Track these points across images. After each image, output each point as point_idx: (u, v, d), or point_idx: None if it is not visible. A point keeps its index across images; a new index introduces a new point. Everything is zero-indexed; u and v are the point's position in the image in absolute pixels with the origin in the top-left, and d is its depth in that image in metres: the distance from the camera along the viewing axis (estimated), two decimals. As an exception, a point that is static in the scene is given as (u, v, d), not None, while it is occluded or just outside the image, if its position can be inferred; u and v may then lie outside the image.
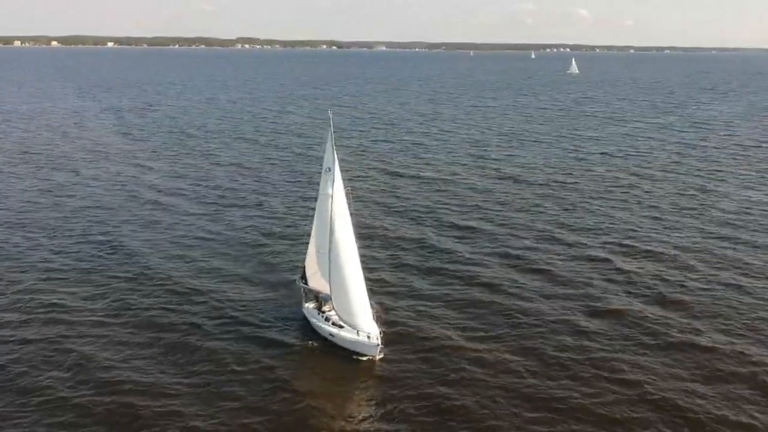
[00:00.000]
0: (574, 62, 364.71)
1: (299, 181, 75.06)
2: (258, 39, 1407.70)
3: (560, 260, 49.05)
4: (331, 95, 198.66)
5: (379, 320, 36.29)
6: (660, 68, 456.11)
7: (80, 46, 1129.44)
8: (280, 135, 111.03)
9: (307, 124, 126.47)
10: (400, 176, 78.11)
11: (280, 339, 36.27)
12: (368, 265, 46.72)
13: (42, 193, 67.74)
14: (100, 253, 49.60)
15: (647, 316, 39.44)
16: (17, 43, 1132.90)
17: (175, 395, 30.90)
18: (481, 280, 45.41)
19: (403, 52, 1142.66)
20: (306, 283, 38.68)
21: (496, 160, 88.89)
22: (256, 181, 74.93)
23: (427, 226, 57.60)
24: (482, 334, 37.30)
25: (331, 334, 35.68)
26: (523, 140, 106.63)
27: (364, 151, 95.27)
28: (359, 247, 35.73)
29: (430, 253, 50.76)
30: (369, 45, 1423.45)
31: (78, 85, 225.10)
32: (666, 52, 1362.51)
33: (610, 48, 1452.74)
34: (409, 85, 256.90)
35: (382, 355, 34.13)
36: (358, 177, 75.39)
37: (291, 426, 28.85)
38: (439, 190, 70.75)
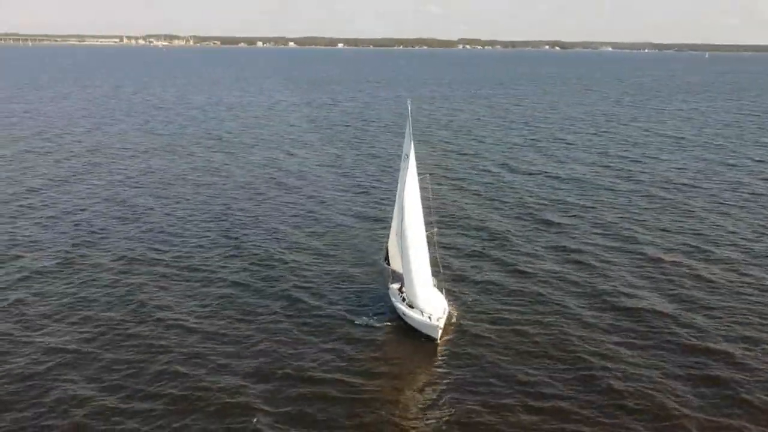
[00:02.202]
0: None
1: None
2: (479, 40, 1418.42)
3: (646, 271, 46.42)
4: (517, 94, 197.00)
5: (449, 305, 37.75)
6: None
7: (314, 47, 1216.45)
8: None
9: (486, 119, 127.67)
10: (518, 173, 77.03)
11: (360, 317, 38.42)
12: (449, 252, 48.56)
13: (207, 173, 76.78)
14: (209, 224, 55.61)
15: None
16: (259, 44, 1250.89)
17: (239, 365, 34.17)
18: (560, 277, 44.82)
19: (630, 53, 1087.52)
20: (389, 264, 40.90)
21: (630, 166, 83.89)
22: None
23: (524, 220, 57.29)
24: (547, 332, 36.99)
25: (403, 314, 37.55)
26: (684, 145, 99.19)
27: (497, 144, 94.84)
28: (441, 234, 36.72)
29: (509, 245, 51.01)
30: (593, 45, 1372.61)
31: (290, 83, 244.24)
32: None
33: None
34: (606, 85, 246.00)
35: (442, 338, 35.32)
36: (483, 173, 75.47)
37: (324, 401, 30.45)
38: (555, 188, 69.04)
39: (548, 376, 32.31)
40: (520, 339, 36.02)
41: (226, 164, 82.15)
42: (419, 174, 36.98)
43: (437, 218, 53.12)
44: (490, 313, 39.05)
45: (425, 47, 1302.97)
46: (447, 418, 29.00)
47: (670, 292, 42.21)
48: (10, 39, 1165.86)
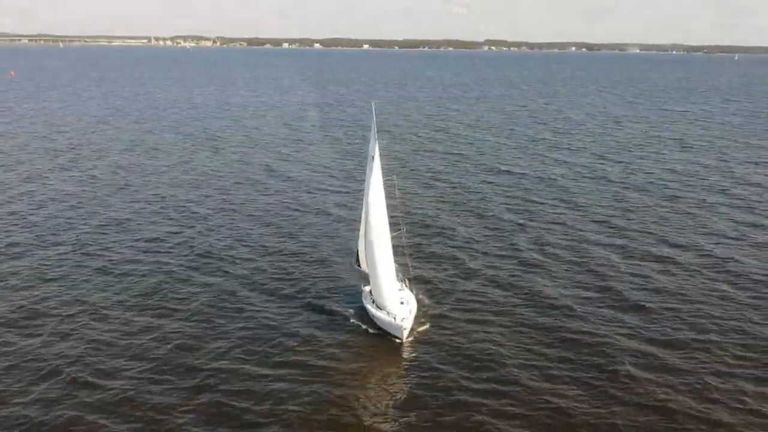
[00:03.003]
0: None
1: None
2: (505, 41, 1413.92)
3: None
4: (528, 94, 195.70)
5: (416, 305, 37.98)
6: None
7: (338, 48, 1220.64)
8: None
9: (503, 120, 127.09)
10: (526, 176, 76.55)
11: (331, 317, 38.69)
12: (419, 252, 48.51)
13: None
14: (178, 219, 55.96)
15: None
16: (285, 45, 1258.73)
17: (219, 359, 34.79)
18: (527, 278, 44.64)
19: (658, 55, 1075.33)
20: (360, 266, 40.95)
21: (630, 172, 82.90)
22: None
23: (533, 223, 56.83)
24: (511, 324, 36.92)
25: (372, 315, 37.61)
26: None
27: (501, 147, 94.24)
28: (412, 234, 36.78)
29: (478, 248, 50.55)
30: (621, 47, 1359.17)
31: (314, 81, 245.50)
32: None
33: None
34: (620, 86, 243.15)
35: (410, 338, 35.50)
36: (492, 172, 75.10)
37: (291, 399, 30.77)
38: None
39: (513, 376, 32.32)
40: (486, 339, 35.97)
41: (220, 162, 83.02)
42: (387, 176, 37.06)
43: (410, 219, 53.52)
44: (458, 313, 39.00)
45: (450, 48, 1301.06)
46: (407, 416, 29.08)
47: (650, 292, 41.83)
48: (41, 40, 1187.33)
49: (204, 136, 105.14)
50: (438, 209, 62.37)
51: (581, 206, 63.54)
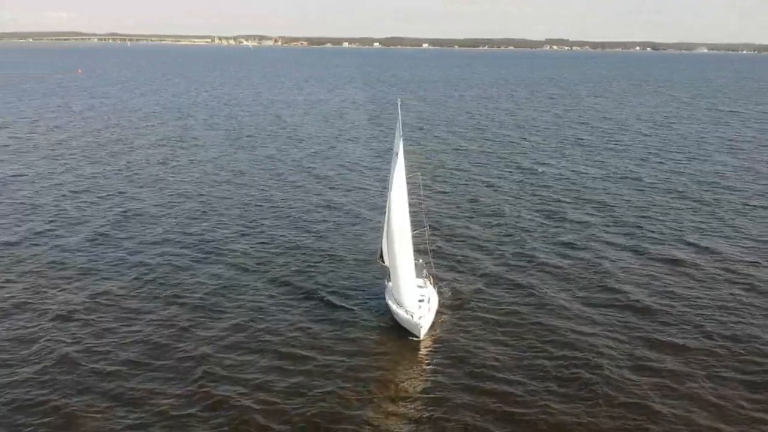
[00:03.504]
0: None
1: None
2: (567, 40, 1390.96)
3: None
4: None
5: (439, 303, 37.85)
6: None
7: (398, 47, 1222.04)
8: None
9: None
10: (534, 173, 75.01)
11: (352, 313, 38.72)
12: (437, 250, 48.17)
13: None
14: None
15: None
16: (345, 44, 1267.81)
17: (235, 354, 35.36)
18: (558, 275, 43.83)
19: (727, 55, 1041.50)
20: (384, 262, 40.86)
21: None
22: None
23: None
24: (538, 331, 36.11)
25: (391, 311, 37.54)
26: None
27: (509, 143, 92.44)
28: (437, 233, 36.48)
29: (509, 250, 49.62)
30: (688, 47, 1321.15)
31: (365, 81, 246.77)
32: None
33: None
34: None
35: (428, 336, 35.28)
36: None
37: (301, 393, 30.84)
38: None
39: (535, 377, 31.69)
40: (510, 339, 35.37)
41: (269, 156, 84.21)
42: (412, 173, 36.94)
43: (434, 217, 53.37)
44: (480, 313, 38.55)
45: (511, 47, 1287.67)
46: (420, 415, 28.76)
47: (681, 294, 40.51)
48: (109, 38, 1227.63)
49: (247, 132, 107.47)
50: (464, 208, 61.80)
51: (616, 209, 62.00)
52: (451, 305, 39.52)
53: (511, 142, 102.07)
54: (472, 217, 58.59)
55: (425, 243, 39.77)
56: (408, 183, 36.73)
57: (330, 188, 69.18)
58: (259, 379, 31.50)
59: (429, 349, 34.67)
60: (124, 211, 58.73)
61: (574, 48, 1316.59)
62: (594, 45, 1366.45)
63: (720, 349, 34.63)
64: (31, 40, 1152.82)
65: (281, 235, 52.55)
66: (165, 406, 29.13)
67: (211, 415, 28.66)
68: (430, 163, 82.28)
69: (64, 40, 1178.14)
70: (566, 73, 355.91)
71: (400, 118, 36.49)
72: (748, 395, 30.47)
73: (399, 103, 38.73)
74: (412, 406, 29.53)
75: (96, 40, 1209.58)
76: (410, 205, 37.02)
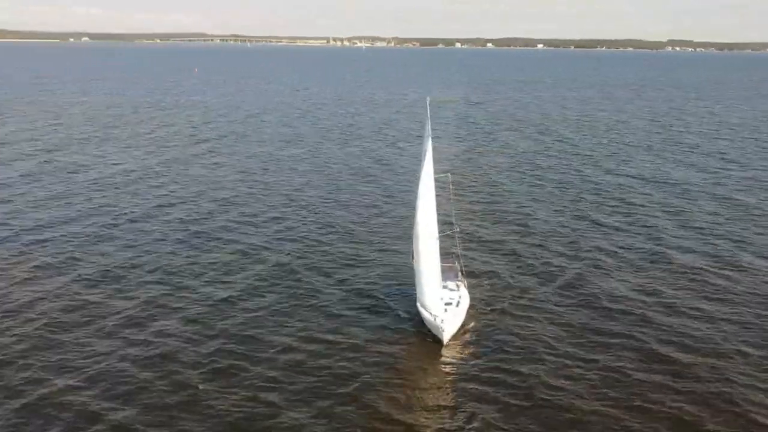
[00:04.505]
0: None
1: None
2: (691, 41, 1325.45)
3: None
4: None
5: (465, 306, 37.04)
6: None
7: (511, 47, 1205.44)
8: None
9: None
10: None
11: (380, 311, 38.69)
12: (475, 253, 46.98)
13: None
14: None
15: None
16: (457, 45, 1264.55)
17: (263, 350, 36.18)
18: (592, 282, 41.76)
19: None
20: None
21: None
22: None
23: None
24: (570, 340, 34.50)
25: (419, 313, 37.21)
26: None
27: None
28: (468, 233, 35.68)
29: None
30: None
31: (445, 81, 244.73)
32: None
33: None
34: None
35: (454, 340, 34.64)
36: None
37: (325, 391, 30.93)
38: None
39: (567, 385, 30.34)
40: (539, 346, 34.04)
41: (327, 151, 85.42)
42: (441, 173, 36.47)
43: (465, 218, 52.50)
44: (509, 318, 37.34)
45: (630, 48, 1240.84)
46: (442, 426, 27.90)
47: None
48: (230, 39, 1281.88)
49: (334, 130, 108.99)
50: (498, 209, 60.18)
51: (660, 210, 59.29)
52: (480, 308, 38.56)
53: (574, 144, 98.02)
54: (507, 217, 57.22)
55: (455, 244, 38.97)
56: (439, 184, 36.27)
57: (393, 186, 68.94)
58: (283, 378, 31.77)
59: (453, 352, 33.93)
60: (210, 201, 60.16)
61: (698, 49, 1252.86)
62: (720, 46, 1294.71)
63: None
64: (158, 41, 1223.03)
65: (332, 229, 52.72)
66: (174, 402, 29.90)
67: (229, 412, 28.82)
68: (468, 164, 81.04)
69: (189, 40, 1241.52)
70: (683, 75, 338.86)
71: (429, 118, 35.99)
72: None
73: (427, 103, 38.09)
74: (438, 415, 28.66)
75: (218, 41, 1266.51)
76: (440, 206, 36.51)
